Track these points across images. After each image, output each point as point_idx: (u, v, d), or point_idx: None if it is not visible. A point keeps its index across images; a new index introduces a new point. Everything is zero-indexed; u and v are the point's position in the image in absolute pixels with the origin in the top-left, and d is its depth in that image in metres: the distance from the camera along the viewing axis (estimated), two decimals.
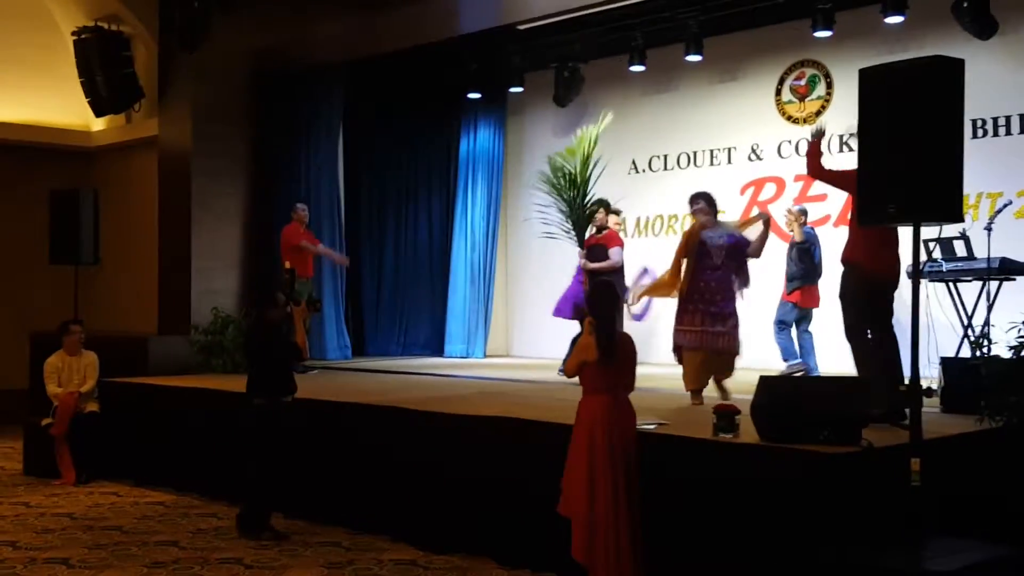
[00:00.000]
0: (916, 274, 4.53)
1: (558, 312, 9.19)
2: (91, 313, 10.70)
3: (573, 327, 10.34)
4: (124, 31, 11.51)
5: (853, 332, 5.79)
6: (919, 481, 4.38)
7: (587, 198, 8.55)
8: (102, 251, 10.27)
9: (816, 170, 6.31)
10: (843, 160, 9.83)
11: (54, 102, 12.35)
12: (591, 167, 8.55)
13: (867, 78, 4.61)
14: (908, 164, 4.36)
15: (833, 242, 9.50)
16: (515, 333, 12.57)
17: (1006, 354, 5.58)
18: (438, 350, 12.20)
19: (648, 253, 10.03)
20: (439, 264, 12.42)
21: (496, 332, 12.32)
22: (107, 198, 10.69)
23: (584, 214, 8.52)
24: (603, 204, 8.82)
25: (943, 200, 4.39)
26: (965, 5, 8.23)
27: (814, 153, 6.31)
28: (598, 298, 5.24)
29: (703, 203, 7.13)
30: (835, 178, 6.26)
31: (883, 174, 4.44)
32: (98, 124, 12.54)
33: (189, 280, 10.69)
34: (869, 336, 5.69)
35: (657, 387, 7.58)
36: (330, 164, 11.51)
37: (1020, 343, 5.27)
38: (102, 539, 6.54)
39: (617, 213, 9.32)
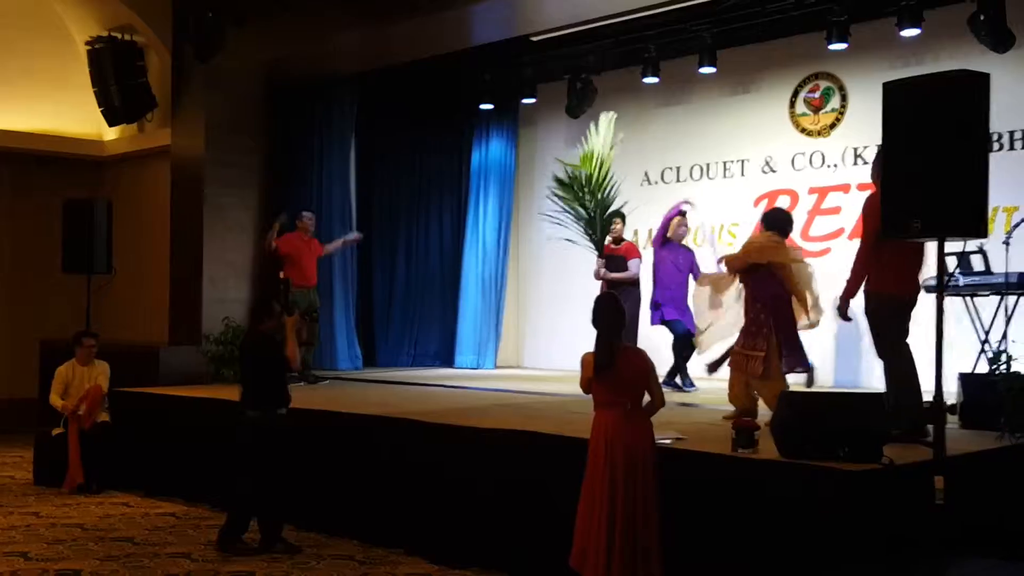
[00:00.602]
0: (940, 290, 4.49)
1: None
2: (103, 322, 10.68)
3: (588, 337, 10.29)
4: (138, 41, 11.53)
5: (886, 351, 5.72)
6: (943, 499, 4.32)
7: (608, 204, 8.50)
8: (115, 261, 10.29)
9: (861, 272, 5.92)
10: (856, 172, 9.82)
11: (67, 111, 12.37)
12: (610, 173, 8.50)
13: (891, 92, 4.57)
14: (932, 179, 4.33)
15: (848, 255, 9.46)
16: (526, 344, 12.53)
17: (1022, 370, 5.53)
18: (448, 361, 12.17)
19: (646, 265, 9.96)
20: (450, 274, 12.40)
21: (507, 343, 12.29)
22: (119, 207, 10.68)
23: (603, 222, 8.47)
24: (620, 215, 8.79)
25: (967, 215, 4.35)
26: (982, 18, 8.19)
27: (852, 286, 5.95)
28: (599, 309, 5.15)
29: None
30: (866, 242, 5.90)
31: (907, 189, 4.41)
32: (111, 134, 12.56)
33: (200, 290, 10.68)
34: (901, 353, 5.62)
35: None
36: (342, 174, 11.49)
37: None
38: (114, 550, 6.51)
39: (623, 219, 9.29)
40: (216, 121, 10.88)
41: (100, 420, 8.72)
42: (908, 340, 5.70)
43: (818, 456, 4.81)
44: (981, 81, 4.46)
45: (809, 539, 4.66)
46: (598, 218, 8.43)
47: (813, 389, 7.17)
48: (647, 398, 5.10)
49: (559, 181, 8.71)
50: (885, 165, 4.65)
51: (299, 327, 6.97)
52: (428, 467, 6.55)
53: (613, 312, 5.08)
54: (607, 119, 8.71)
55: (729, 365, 6.72)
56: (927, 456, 4.80)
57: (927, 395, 5.66)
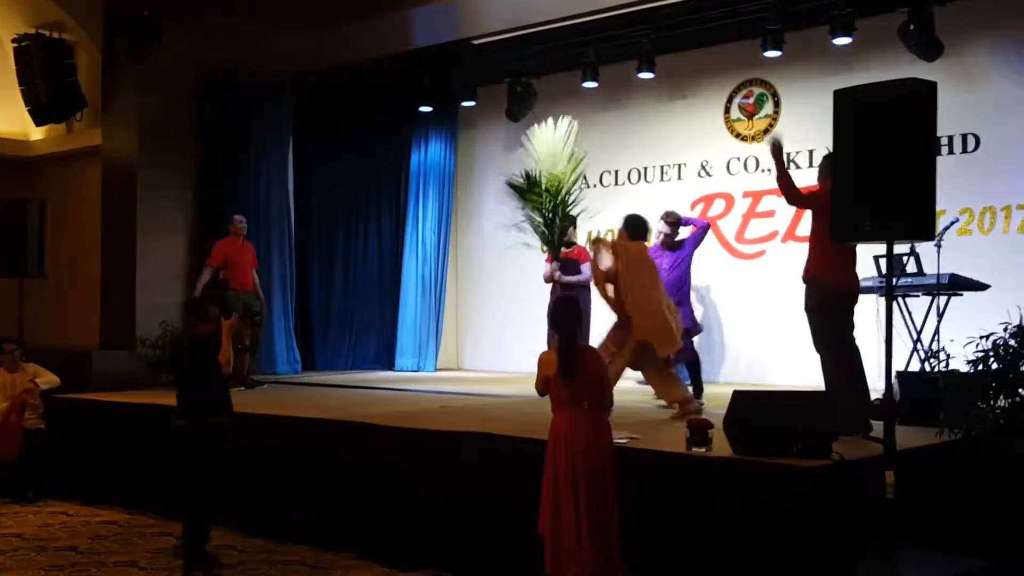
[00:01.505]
0: (889, 289, 4.66)
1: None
2: (35, 327, 10.42)
3: (527, 340, 10.41)
4: (67, 39, 11.28)
5: (822, 346, 5.89)
6: (894, 493, 4.48)
7: (567, 210, 8.55)
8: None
9: (795, 198, 6.08)
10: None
11: None
12: (573, 180, 8.56)
13: (841, 99, 4.73)
14: (882, 183, 4.49)
15: (782, 258, 9.74)
16: (466, 347, 12.56)
17: (962, 367, 5.73)
18: (388, 364, 12.14)
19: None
20: (389, 277, 12.38)
21: (446, 346, 12.30)
22: (48, 208, 10.42)
23: (562, 226, 8.52)
24: (571, 219, 8.87)
25: (916, 218, 4.52)
26: (911, 28, 8.48)
27: (785, 176, 6.02)
28: (561, 312, 5.23)
29: None
30: (805, 201, 6.16)
31: (858, 193, 4.56)
32: (37, 133, 12.23)
33: (134, 293, 10.49)
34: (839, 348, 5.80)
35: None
36: (280, 176, 11.39)
37: (979, 357, 5.41)
38: (58, 560, 6.37)
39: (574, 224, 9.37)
40: (149, 121, 10.70)
41: (34, 427, 8.50)
42: (855, 334, 5.87)
43: (771, 453, 4.93)
44: (929, 88, 4.64)
45: (764, 535, 4.77)
46: (557, 222, 8.48)
47: (763, 388, 7.41)
48: None
49: (514, 186, 8.71)
50: (835, 169, 4.80)
51: (237, 330, 6.73)
52: (378, 470, 6.53)
53: (574, 314, 5.14)
54: (566, 124, 8.71)
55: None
56: (875, 452, 4.96)
57: (873, 392, 5.88)
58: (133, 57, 10.13)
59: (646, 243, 7.72)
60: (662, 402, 7.41)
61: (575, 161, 8.51)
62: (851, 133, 4.68)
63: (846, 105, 4.72)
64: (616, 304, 7.06)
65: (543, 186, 8.36)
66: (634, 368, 7.28)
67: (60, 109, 11.36)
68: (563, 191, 8.42)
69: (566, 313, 5.13)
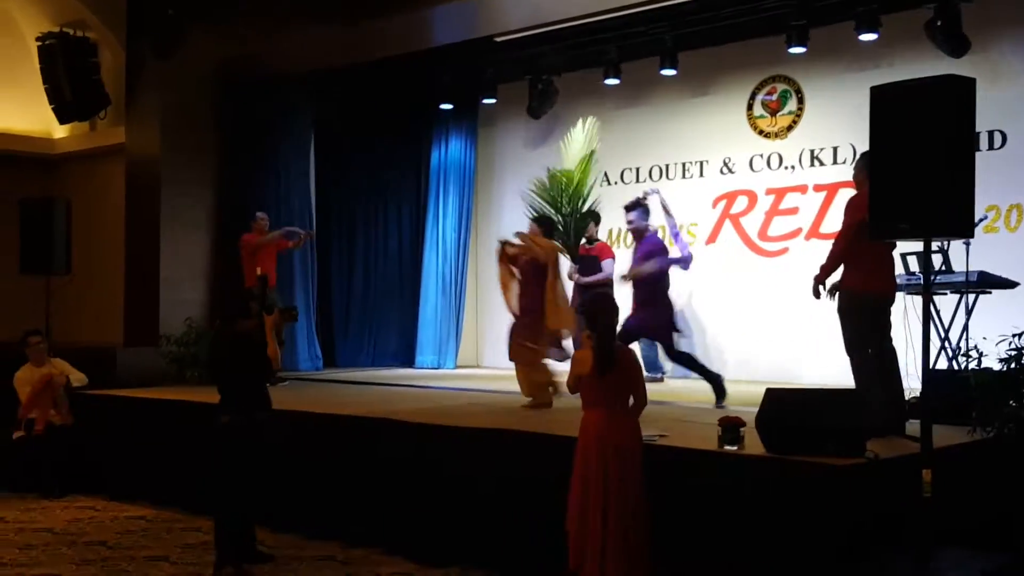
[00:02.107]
0: (927, 287, 4.64)
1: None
2: (62, 324, 10.48)
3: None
4: (90, 37, 11.34)
5: (853, 348, 5.87)
6: (930, 492, 4.47)
7: (580, 210, 8.56)
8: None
9: (847, 242, 5.93)
10: (812, 174, 10.05)
11: (15, 109, 12.11)
12: (590, 180, 8.57)
13: (879, 96, 4.71)
14: (919, 180, 4.47)
15: (805, 255, 9.70)
16: (485, 344, 12.55)
17: (994, 366, 5.71)
18: (408, 361, 12.15)
19: (619, 265, 10.07)
20: (409, 274, 12.39)
21: (466, 343, 12.30)
22: (71, 206, 10.48)
23: (577, 227, 8.53)
24: (595, 216, 8.85)
25: (955, 216, 4.51)
26: (939, 24, 8.42)
27: (833, 260, 5.99)
28: (598, 310, 5.18)
29: None
30: (853, 230, 5.86)
31: (895, 190, 4.54)
32: (61, 131, 12.32)
33: (157, 290, 10.53)
34: (869, 351, 5.78)
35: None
36: (301, 173, 11.42)
37: (1011, 355, 5.40)
38: (88, 554, 6.42)
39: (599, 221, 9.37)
40: (172, 119, 10.74)
41: (60, 423, 8.55)
42: (891, 336, 5.86)
43: (804, 451, 4.92)
44: (968, 85, 4.62)
45: (796, 533, 4.77)
46: (572, 224, 8.48)
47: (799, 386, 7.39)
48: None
49: (537, 186, 8.74)
50: (872, 167, 4.79)
51: (278, 326, 6.74)
52: (406, 466, 6.56)
53: (611, 313, 5.13)
54: (589, 125, 8.74)
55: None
56: (909, 450, 4.95)
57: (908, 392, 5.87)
58: (156, 55, 10.18)
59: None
60: (698, 402, 7.45)
61: (584, 162, 8.54)
62: (887, 130, 4.66)
63: (882, 102, 4.69)
64: (529, 299, 7.65)
65: (561, 186, 8.40)
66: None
67: (84, 107, 11.43)
68: (578, 192, 8.45)
69: (603, 312, 5.10)
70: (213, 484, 6.21)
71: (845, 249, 5.88)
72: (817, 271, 6.05)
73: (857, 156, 6.56)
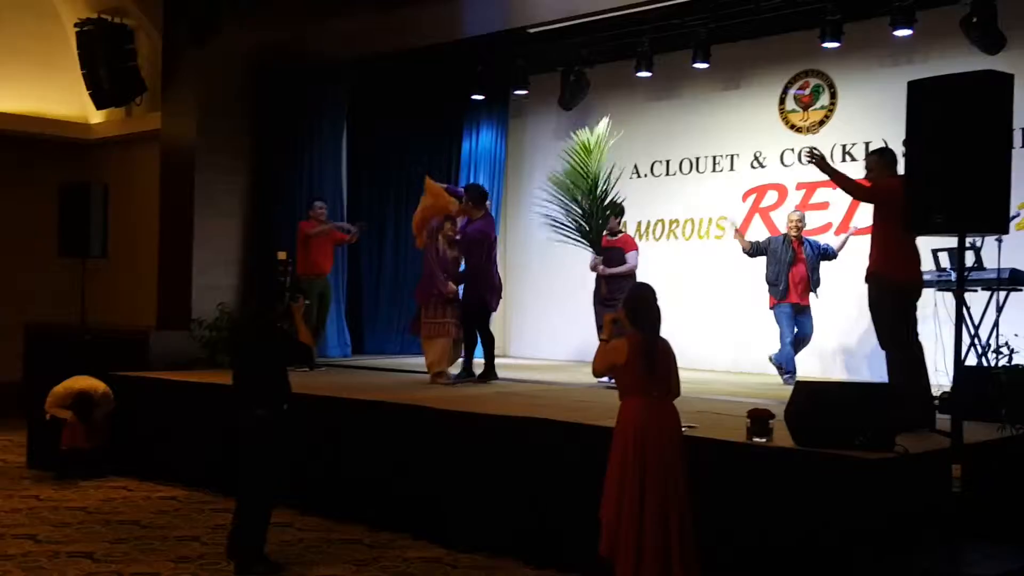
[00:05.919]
0: (960, 283, 4.64)
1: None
2: (97, 307, 10.63)
3: (574, 328, 10.48)
4: (128, 23, 11.46)
5: (887, 342, 5.87)
6: (960, 487, 4.47)
7: (606, 201, 8.61)
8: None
9: (861, 191, 6.16)
10: (844, 169, 9.95)
11: (53, 94, 12.27)
12: (609, 171, 8.65)
13: (916, 90, 4.71)
14: (956, 174, 4.47)
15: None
16: (512, 333, 12.61)
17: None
18: None
19: (647, 257, 10.08)
20: None
21: (493, 332, 12.32)
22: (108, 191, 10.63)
23: (599, 218, 8.58)
24: (618, 209, 8.90)
25: (990, 210, 4.50)
26: (974, 20, 8.36)
27: (842, 177, 6.18)
28: (640, 302, 5.06)
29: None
30: (871, 194, 6.09)
31: (931, 184, 4.55)
32: (97, 117, 12.47)
33: (190, 274, 10.64)
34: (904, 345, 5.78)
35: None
36: (334, 160, 11.52)
37: None
38: (122, 533, 6.53)
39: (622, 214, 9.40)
40: (207, 106, 10.82)
41: (88, 448, 8.44)
42: (918, 330, 5.85)
43: (833, 445, 4.93)
44: (1006, 81, 4.61)
45: (825, 527, 4.79)
46: (595, 215, 8.53)
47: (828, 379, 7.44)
48: None
49: (558, 178, 8.84)
50: (907, 160, 4.78)
51: (306, 313, 6.67)
52: (434, 452, 6.62)
53: (651, 303, 5.03)
54: (602, 126, 8.88)
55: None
56: (939, 445, 4.96)
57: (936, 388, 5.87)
58: (193, 42, 10.28)
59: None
60: (720, 394, 7.48)
61: (603, 155, 8.67)
62: (924, 124, 4.66)
63: (919, 96, 4.69)
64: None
65: (582, 174, 8.50)
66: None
67: (120, 93, 11.56)
68: (597, 184, 8.53)
69: (645, 303, 5.03)
70: (250, 476, 5.89)
71: (858, 193, 6.13)
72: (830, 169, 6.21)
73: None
